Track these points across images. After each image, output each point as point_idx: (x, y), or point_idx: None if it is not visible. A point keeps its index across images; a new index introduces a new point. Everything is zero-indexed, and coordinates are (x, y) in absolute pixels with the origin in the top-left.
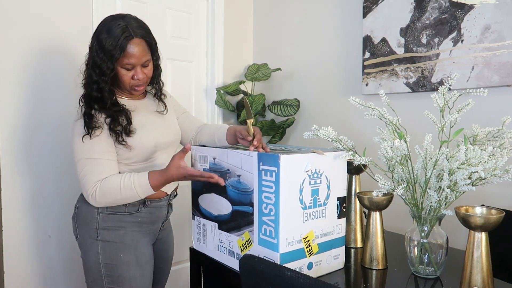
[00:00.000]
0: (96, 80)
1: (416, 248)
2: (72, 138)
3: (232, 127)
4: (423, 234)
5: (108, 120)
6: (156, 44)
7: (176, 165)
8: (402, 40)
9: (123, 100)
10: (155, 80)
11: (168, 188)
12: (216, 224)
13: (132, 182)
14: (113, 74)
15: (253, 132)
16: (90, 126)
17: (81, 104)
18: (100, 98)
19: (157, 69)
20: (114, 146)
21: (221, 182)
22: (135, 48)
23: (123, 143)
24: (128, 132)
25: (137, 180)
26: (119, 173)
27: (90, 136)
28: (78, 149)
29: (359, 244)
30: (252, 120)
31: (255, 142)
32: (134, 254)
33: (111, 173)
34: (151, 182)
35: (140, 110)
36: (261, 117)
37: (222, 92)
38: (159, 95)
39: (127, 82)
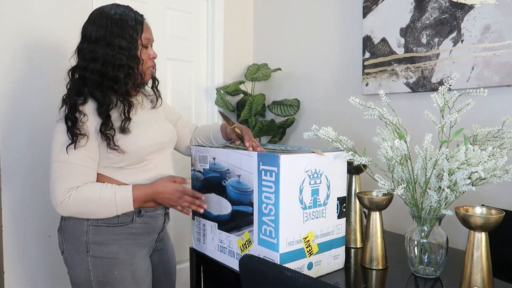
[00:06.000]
0: (124, 63)
1: (416, 248)
2: (52, 138)
3: (224, 125)
4: (423, 234)
5: (97, 124)
6: None
7: (168, 180)
8: (402, 40)
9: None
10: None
11: None
12: (216, 224)
13: (114, 193)
14: (136, 53)
15: (240, 132)
16: (73, 133)
17: (65, 104)
18: (109, 87)
19: None
20: (98, 153)
21: (202, 208)
22: (147, 25)
23: (115, 147)
24: (123, 130)
25: (119, 191)
26: (106, 178)
27: (75, 146)
28: (56, 150)
29: (359, 244)
30: (233, 126)
31: (247, 144)
32: (130, 270)
33: (86, 182)
34: (135, 194)
35: (135, 105)
36: (261, 117)
37: (222, 92)
38: (156, 86)
39: (148, 63)
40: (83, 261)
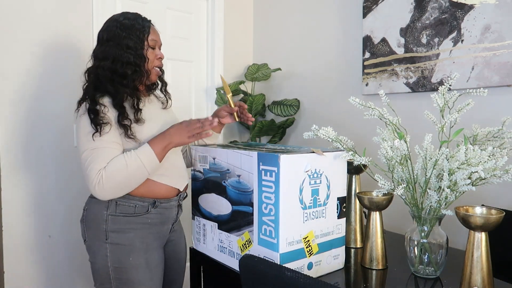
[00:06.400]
0: (130, 61)
1: (416, 248)
2: (78, 133)
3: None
4: (423, 234)
5: (115, 115)
6: None
7: (176, 123)
8: (402, 40)
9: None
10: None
11: (180, 184)
12: (216, 224)
13: (136, 153)
14: (142, 52)
15: (234, 104)
16: (97, 123)
17: (87, 98)
18: (119, 82)
19: None
20: (120, 139)
21: (214, 122)
22: (155, 29)
23: (132, 136)
24: (137, 120)
25: (141, 153)
26: None
27: (100, 134)
28: (83, 141)
29: (359, 244)
30: (231, 94)
31: (243, 110)
32: (144, 258)
33: None
34: (154, 148)
35: (148, 103)
36: (261, 117)
37: (222, 92)
38: (165, 88)
39: (154, 62)
40: (102, 247)
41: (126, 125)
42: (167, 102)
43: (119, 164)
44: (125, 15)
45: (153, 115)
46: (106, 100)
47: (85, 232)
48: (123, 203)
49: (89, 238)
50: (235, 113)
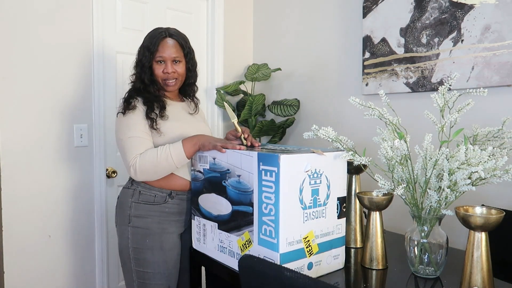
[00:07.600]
0: (139, 72)
1: (416, 248)
2: (117, 127)
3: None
4: (423, 234)
5: (144, 107)
6: (191, 52)
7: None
8: (402, 40)
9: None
10: (188, 81)
11: None
12: (216, 224)
13: (168, 145)
14: (150, 66)
15: (240, 130)
16: (127, 108)
17: (123, 99)
18: (143, 88)
19: (189, 72)
20: (150, 131)
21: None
22: (166, 44)
23: (156, 128)
24: (161, 116)
25: (172, 147)
26: None
27: (128, 111)
28: (122, 131)
29: (359, 244)
30: (236, 120)
31: (246, 135)
32: (159, 241)
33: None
34: (182, 141)
35: (176, 107)
36: (261, 117)
37: (222, 92)
38: (191, 95)
39: (159, 75)
40: (125, 230)
41: (152, 118)
42: (196, 108)
43: (152, 152)
44: (151, 32)
45: (178, 116)
46: (139, 98)
47: (116, 217)
48: (145, 192)
49: (118, 222)
50: (242, 137)
